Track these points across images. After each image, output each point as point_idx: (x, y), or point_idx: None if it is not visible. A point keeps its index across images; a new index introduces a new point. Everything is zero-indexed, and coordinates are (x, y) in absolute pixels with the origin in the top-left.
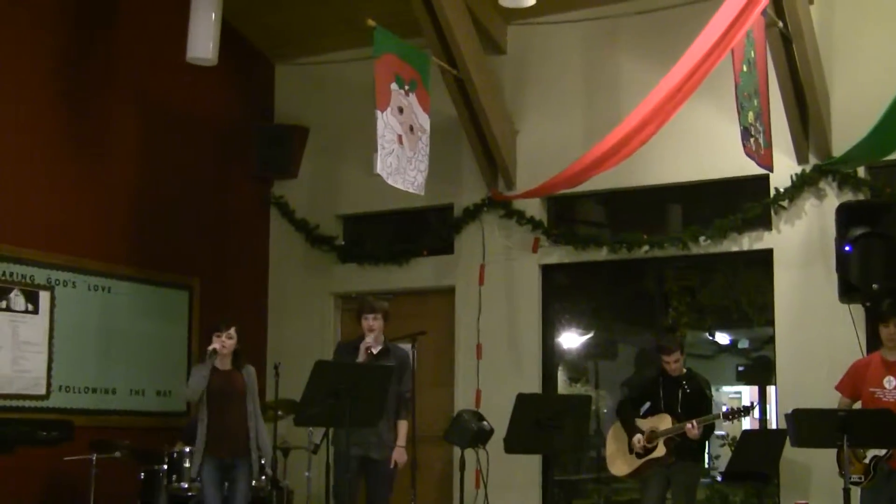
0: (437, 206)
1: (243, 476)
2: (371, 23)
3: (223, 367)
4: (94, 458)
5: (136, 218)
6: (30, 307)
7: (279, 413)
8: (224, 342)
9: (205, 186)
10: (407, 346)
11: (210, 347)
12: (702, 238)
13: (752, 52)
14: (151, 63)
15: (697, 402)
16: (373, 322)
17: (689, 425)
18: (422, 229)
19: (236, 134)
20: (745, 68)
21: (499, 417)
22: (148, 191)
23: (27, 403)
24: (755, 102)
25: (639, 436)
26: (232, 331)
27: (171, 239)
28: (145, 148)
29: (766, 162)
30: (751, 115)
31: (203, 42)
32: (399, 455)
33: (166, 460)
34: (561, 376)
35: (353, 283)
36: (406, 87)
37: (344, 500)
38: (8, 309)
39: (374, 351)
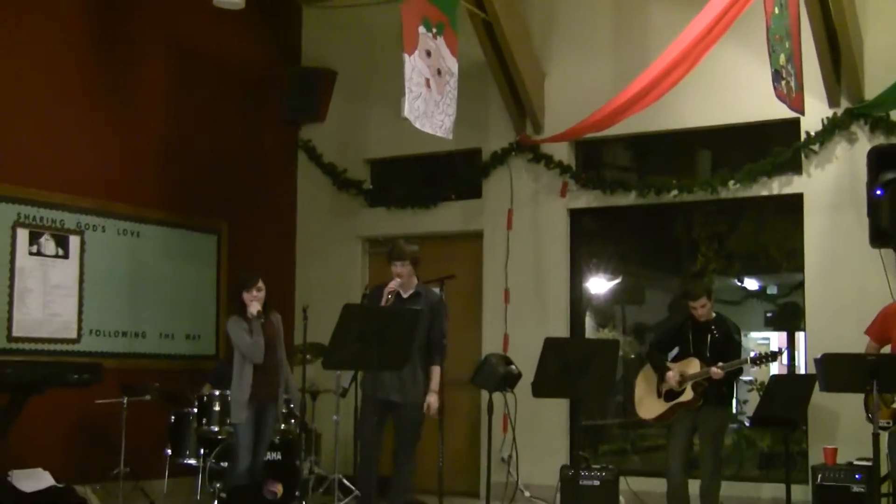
0: (464, 150)
1: (272, 419)
2: None
3: (259, 319)
4: (126, 401)
5: (165, 162)
6: (60, 251)
7: (308, 357)
8: (258, 297)
9: (233, 130)
10: (436, 290)
11: (254, 310)
12: (731, 182)
13: None
14: (180, 7)
15: (726, 347)
16: (400, 269)
17: (714, 369)
18: (450, 173)
19: (264, 78)
20: (776, 10)
21: (526, 362)
22: (176, 135)
23: (58, 347)
24: (787, 45)
25: (671, 372)
26: (260, 283)
27: (199, 183)
28: (174, 92)
29: (798, 105)
30: (782, 58)
31: None
32: (433, 400)
33: (196, 403)
34: (588, 321)
35: (381, 227)
36: (434, 30)
37: (367, 443)
38: (39, 253)
39: (405, 295)
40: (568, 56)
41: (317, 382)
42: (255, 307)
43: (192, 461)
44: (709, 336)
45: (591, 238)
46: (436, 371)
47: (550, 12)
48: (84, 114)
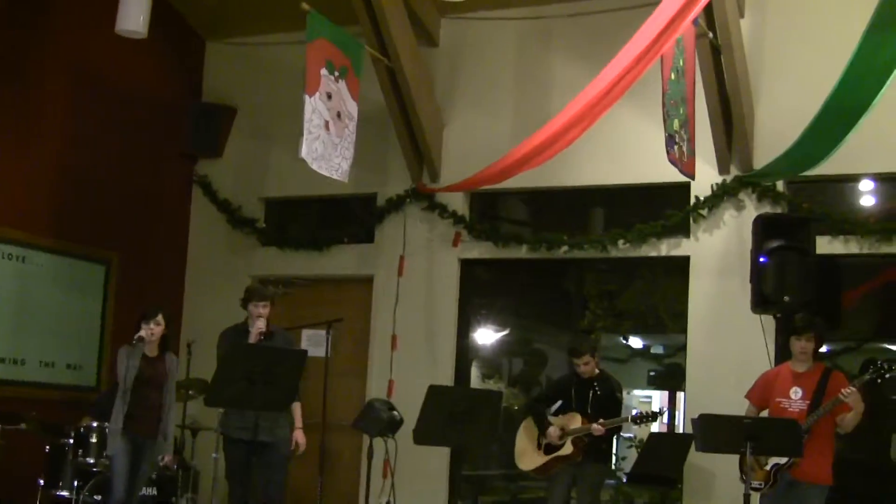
0: (361, 194)
1: (149, 456)
2: (305, 7)
3: (150, 353)
4: (0, 428)
5: (58, 188)
6: None
7: (190, 392)
8: (152, 329)
9: (130, 161)
10: (320, 332)
11: (137, 335)
12: (621, 241)
13: (682, 61)
14: (83, 34)
15: (607, 404)
16: (262, 309)
17: (595, 425)
18: (344, 217)
19: (164, 110)
20: (673, 76)
21: (411, 409)
22: (72, 161)
23: None
24: (681, 111)
25: (554, 427)
26: (160, 317)
27: (91, 211)
28: (72, 118)
29: (689, 170)
30: (676, 123)
31: (134, 15)
32: (300, 437)
33: (73, 435)
34: (475, 371)
35: (274, 267)
36: (336, 74)
37: (237, 486)
38: None
39: (262, 336)
40: (469, 107)
41: (197, 419)
42: (141, 333)
43: (66, 493)
44: (591, 392)
45: (481, 289)
46: (297, 407)
47: (454, 63)
48: None
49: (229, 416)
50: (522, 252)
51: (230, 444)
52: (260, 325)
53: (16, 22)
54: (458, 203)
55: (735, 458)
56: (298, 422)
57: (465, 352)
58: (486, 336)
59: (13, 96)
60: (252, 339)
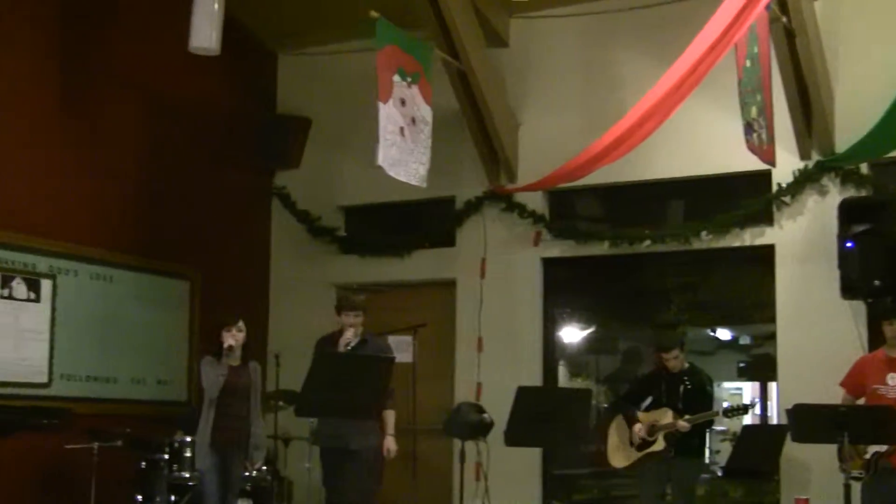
0: (438, 198)
1: (239, 467)
2: (374, 14)
3: (233, 363)
4: (96, 446)
5: (139, 207)
6: (32, 295)
7: (280, 403)
8: (235, 335)
9: (207, 176)
10: (406, 338)
11: (226, 344)
12: (703, 233)
13: (756, 48)
14: (154, 53)
15: (698, 398)
16: (353, 319)
17: (680, 422)
18: (423, 221)
19: (239, 125)
20: (748, 63)
21: (499, 410)
22: (150, 180)
23: (28, 391)
24: (758, 97)
25: (639, 424)
26: (241, 324)
27: (173, 229)
28: (148, 138)
29: (769, 157)
30: (754, 111)
31: (206, 32)
32: (391, 443)
33: (167, 449)
34: (562, 370)
35: (355, 275)
36: (408, 79)
37: (333, 494)
38: (10, 297)
39: (352, 345)
40: (542, 106)
41: (288, 430)
42: (227, 341)
43: None
44: (681, 387)
45: (564, 287)
46: (390, 415)
47: (524, 62)
48: (58, 157)
49: (321, 426)
50: (604, 248)
51: (324, 454)
52: (348, 336)
53: (89, 44)
54: (536, 202)
55: (832, 447)
56: (390, 429)
57: (551, 351)
58: (570, 334)
59: (88, 118)
60: (340, 349)
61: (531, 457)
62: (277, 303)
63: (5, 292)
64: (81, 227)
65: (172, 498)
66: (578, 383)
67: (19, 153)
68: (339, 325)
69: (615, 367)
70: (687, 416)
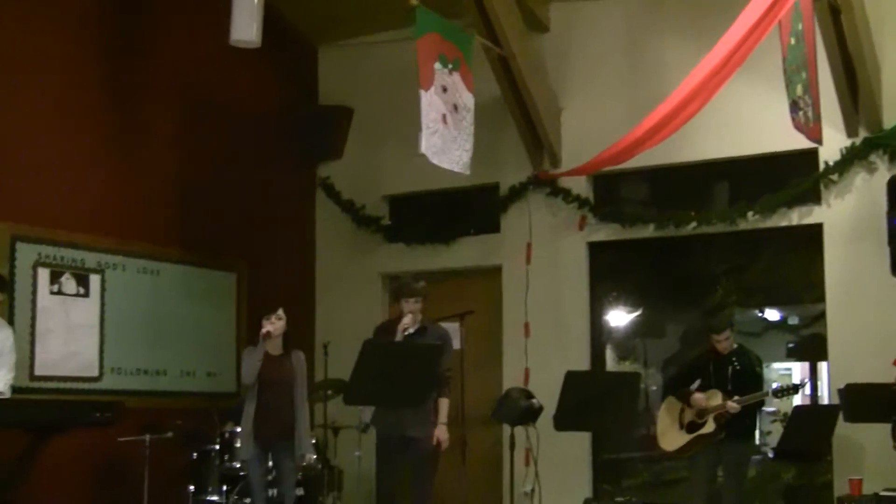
0: (482, 185)
1: (288, 457)
2: (413, 2)
3: (274, 352)
4: (148, 438)
5: (184, 201)
6: (81, 290)
7: (328, 393)
8: (273, 322)
9: (251, 169)
10: (453, 325)
11: (263, 331)
12: (750, 214)
13: (800, 25)
14: (196, 48)
15: (747, 379)
16: (413, 305)
17: (730, 403)
18: (468, 209)
19: (281, 117)
20: (792, 41)
21: (547, 395)
22: (194, 174)
23: (80, 385)
24: (803, 75)
25: (699, 393)
26: (280, 311)
27: (218, 222)
28: (191, 132)
29: (815, 135)
30: (799, 89)
31: (246, 24)
32: (441, 433)
33: (218, 440)
34: (609, 354)
35: (400, 263)
36: (449, 66)
37: (387, 481)
38: (60, 292)
39: (411, 331)
40: (584, 90)
41: (338, 419)
42: (265, 328)
43: (215, 498)
44: (730, 368)
45: (610, 271)
46: (444, 403)
47: (565, 47)
48: (103, 152)
49: (379, 412)
50: (649, 231)
51: (379, 440)
52: (406, 322)
53: (132, 41)
54: (580, 187)
55: (886, 427)
56: (442, 417)
57: (598, 335)
58: (617, 318)
59: (132, 114)
60: (398, 336)
61: (581, 441)
62: (324, 293)
63: (55, 288)
64: (128, 222)
65: (224, 488)
66: (626, 367)
67: (65, 151)
68: (398, 312)
69: (663, 350)
70: (737, 398)
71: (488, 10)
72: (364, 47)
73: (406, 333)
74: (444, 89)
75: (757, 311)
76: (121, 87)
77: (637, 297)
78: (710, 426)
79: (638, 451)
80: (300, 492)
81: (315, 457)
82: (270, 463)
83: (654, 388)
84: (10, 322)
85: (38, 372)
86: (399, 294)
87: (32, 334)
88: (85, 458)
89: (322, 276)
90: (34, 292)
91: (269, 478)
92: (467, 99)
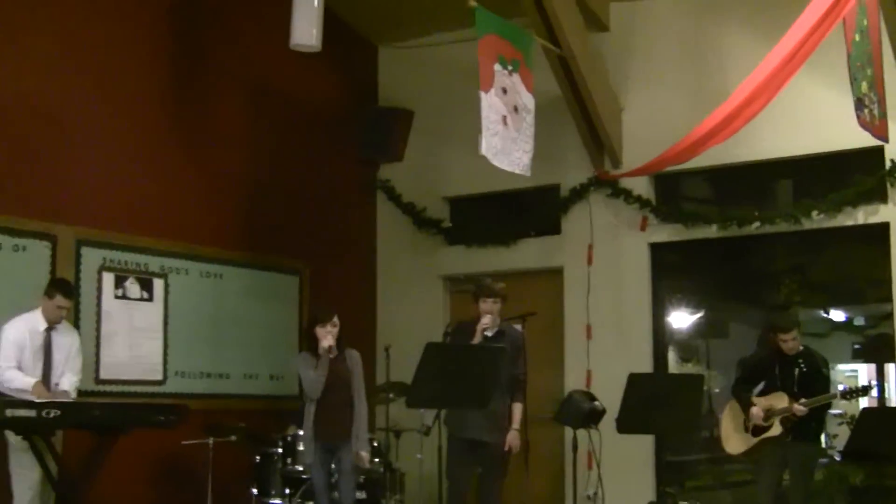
0: (543, 186)
1: (348, 458)
2: (472, 3)
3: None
4: (211, 441)
5: (245, 204)
6: (145, 294)
7: (390, 395)
8: (332, 332)
9: (311, 171)
10: (518, 327)
11: (326, 345)
12: (814, 212)
13: (865, 20)
14: (258, 50)
15: (814, 381)
16: (491, 305)
17: (796, 406)
18: (528, 210)
19: (342, 118)
20: (857, 37)
21: (610, 398)
22: (255, 177)
23: (144, 388)
24: (868, 72)
25: (756, 408)
26: (335, 319)
27: (279, 224)
28: (252, 134)
29: (881, 133)
30: (864, 86)
31: (306, 29)
32: (513, 438)
33: (281, 443)
34: (672, 356)
35: (461, 265)
36: (509, 67)
37: (456, 483)
38: (124, 297)
39: (489, 333)
40: (645, 89)
41: (400, 422)
42: (326, 342)
43: (278, 501)
44: (796, 370)
45: (672, 272)
46: (517, 408)
47: (626, 45)
48: (166, 157)
49: (451, 415)
50: (712, 231)
51: (451, 442)
52: (486, 322)
53: (191, 44)
54: (642, 187)
55: None
56: (515, 423)
57: (660, 336)
58: (680, 319)
59: (194, 118)
60: (477, 336)
61: (643, 444)
62: (385, 295)
63: (119, 292)
64: (191, 225)
65: (287, 491)
66: (689, 368)
67: (128, 155)
68: (475, 313)
69: (726, 351)
70: (804, 400)
71: (548, 11)
72: (423, 49)
73: (486, 334)
74: (505, 90)
75: (821, 312)
76: (185, 90)
77: (699, 297)
78: (776, 429)
79: (701, 453)
80: (362, 495)
81: (368, 453)
82: (333, 466)
83: (717, 390)
84: (76, 326)
85: (103, 375)
86: (478, 294)
87: (97, 338)
88: (149, 461)
89: (383, 279)
90: (99, 297)
91: (332, 480)
92: (527, 100)
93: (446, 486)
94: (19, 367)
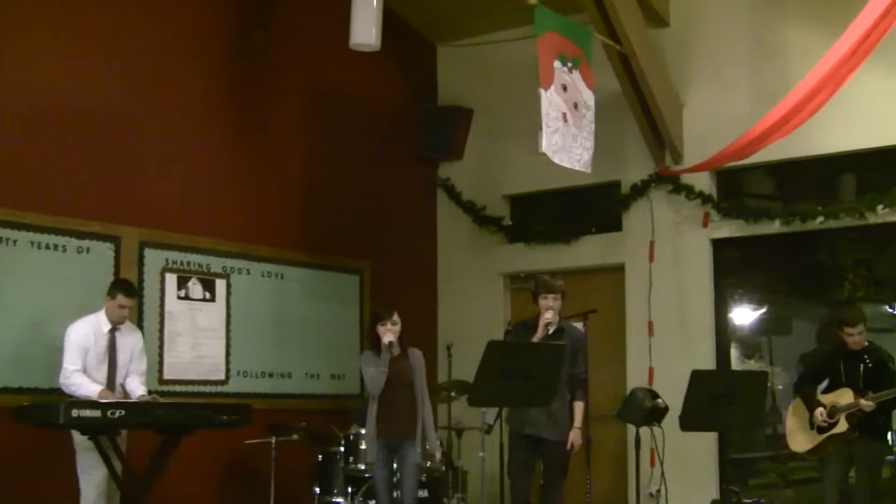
0: (603, 183)
1: (411, 456)
2: (532, 1)
3: (392, 354)
4: (273, 440)
5: (306, 204)
6: (207, 295)
7: (452, 394)
8: (392, 329)
9: (371, 170)
10: (579, 325)
11: (386, 341)
12: (879, 206)
13: None
14: (316, 51)
15: (880, 376)
16: (551, 302)
17: (863, 401)
18: (589, 207)
19: (401, 118)
20: None
21: (673, 395)
22: (316, 177)
23: (207, 388)
24: None
25: (821, 409)
26: (396, 316)
27: (340, 224)
28: (312, 135)
29: None
30: None
31: (366, 28)
32: (575, 437)
33: (342, 442)
34: (734, 352)
35: (522, 263)
36: (569, 64)
37: (518, 480)
38: (186, 297)
39: (550, 330)
40: (705, 84)
41: (461, 420)
42: (386, 338)
43: (341, 500)
44: (861, 365)
45: (734, 268)
46: (579, 407)
47: (686, 40)
48: (227, 159)
49: (514, 413)
50: (775, 227)
51: (513, 440)
52: (548, 317)
53: (251, 45)
54: (703, 183)
55: None
56: (577, 421)
57: (723, 333)
58: (742, 315)
59: (256, 118)
60: (539, 333)
61: (707, 441)
62: (446, 294)
63: (182, 293)
64: (252, 226)
65: (349, 490)
66: (751, 365)
67: (191, 156)
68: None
69: (789, 347)
70: (870, 395)
71: (607, 7)
72: (482, 47)
73: (549, 331)
74: (565, 87)
75: (886, 307)
76: (246, 92)
77: (762, 293)
78: (842, 426)
79: (765, 450)
80: (424, 493)
81: (441, 453)
82: (395, 465)
83: (780, 386)
84: (140, 327)
85: (166, 376)
86: (537, 291)
87: (161, 339)
88: (212, 460)
89: (444, 277)
90: (162, 297)
91: (395, 479)
92: (587, 96)
93: (508, 484)
94: (84, 370)
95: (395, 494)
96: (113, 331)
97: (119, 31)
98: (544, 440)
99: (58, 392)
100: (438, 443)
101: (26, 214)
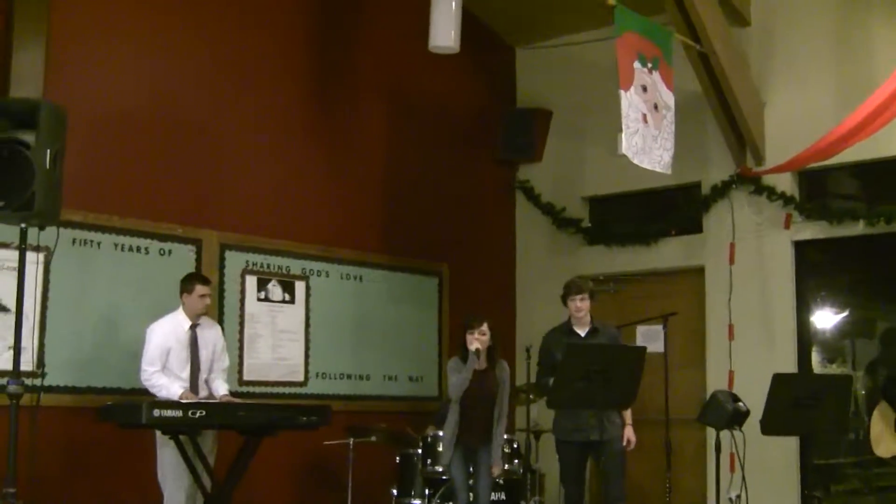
0: (684, 184)
1: (487, 460)
2: (611, 2)
3: (478, 366)
4: (352, 442)
5: (385, 206)
6: (286, 297)
7: (531, 397)
8: (479, 339)
9: (450, 173)
10: (656, 327)
11: (472, 348)
12: None
13: None
14: (394, 54)
15: None
16: (580, 303)
17: None
18: (669, 209)
19: (480, 120)
20: None
21: (753, 399)
22: (395, 179)
23: (287, 390)
24: None
25: None
26: (484, 326)
27: (418, 226)
28: (391, 137)
29: None
30: None
31: (445, 30)
32: (632, 433)
33: (421, 444)
34: (816, 356)
35: (601, 266)
36: (649, 65)
37: (572, 488)
38: (266, 299)
39: (582, 333)
40: (787, 83)
41: (540, 423)
42: (473, 346)
43: (418, 501)
44: None
45: (817, 270)
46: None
47: (768, 40)
48: (307, 161)
49: (561, 419)
50: (859, 228)
51: (563, 447)
52: (580, 315)
53: (331, 48)
54: (785, 184)
55: None
56: (627, 419)
57: (805, 336)
58: (824, 319)
59: (334, 121)
60: (582, 332)
61: (788, 446)
62: (525, 296)
63: (262, 295)
64: (331, 228)
65: (427, 492)
66: (833, 369)
67: (271, 160)
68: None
69: (873, 351)
70: None
71: (688, 7)
72: (561, 48)
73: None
74: (644, 88)
75: None
76: (326, 95)
77: (845, 296)
78: None
79: (848, 456)
80: (502, 496)
81: (500, 469)
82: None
83: (863, 391)
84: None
85: (247, 377)
86: (566, 293)
87: (241, 340)
88: (292, 460)
89: (522, 279)
90: (242, 299)
91: (471, 482)
92: (668, 97)
93: (562, 493)
94: (164, 370)
95: (471, 497)
96: (193, 327)
97: (200, 38)
98: (593, 443)
99: (140, 392)
100: (501, 461)
101: (110, 218)
